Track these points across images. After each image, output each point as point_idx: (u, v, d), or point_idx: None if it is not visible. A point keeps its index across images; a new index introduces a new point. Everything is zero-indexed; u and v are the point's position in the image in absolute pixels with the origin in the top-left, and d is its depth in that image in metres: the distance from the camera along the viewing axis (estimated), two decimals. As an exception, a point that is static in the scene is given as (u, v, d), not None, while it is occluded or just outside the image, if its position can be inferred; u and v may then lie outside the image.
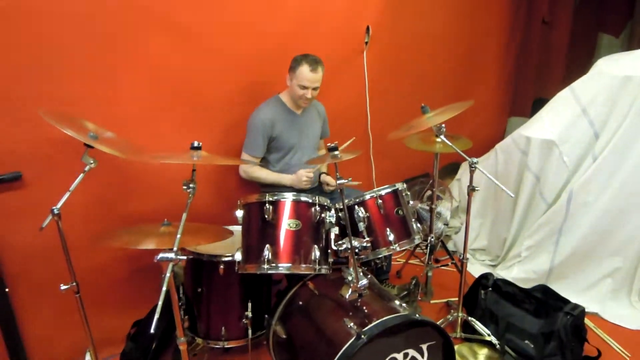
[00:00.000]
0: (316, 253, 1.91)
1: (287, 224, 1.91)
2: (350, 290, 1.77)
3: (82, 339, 1.96)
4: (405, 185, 2.19)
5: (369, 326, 1.67)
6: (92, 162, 1.79)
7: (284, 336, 2.01)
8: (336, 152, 1.76)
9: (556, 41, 4.37)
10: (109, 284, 2.41)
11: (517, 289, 2.50)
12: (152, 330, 1.43)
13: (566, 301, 2.34)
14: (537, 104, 3.90)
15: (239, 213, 1.99)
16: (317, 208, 1.95)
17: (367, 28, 3.07)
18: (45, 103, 2.01)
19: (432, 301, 2.85)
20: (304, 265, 1.89)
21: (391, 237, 2.05)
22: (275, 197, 1.92)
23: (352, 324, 1.71)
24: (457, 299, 2.48)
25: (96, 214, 2.28)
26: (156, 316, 1.37)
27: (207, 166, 2.53)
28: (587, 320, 2.52)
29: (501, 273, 2.97)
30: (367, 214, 2.05)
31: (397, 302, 1.92)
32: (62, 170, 1.96)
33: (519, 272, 2.90)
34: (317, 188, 2.69)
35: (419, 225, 2.18)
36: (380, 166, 3.48)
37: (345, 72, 3.07)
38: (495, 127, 4.40)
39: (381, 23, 3.12)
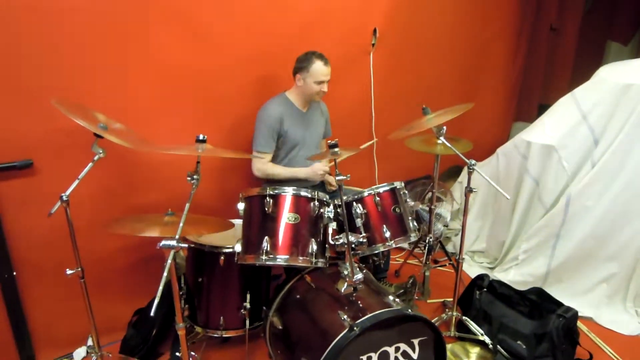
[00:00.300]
0: (313, 247, 1.94)
1: (286, 217, 1.95)
2: (345, 284, 1.81)
3: (85, 324, 2.02)
4: (403, 184, 2.22)
5: (362, 319, 1.71)
6: (101, 151, 1.84)
7: (281, 327, 2.07)
8: (336, 149, 1.82)
9: (563, 48, 4.38)
10: (113, 272, 2.47)
11: (512, 291, 2.53)
12: (151, 314, 1.46)
13: (559, 304, 2.37)
14: (542, 110, 3.91)
15: (241, 205, 2.03)
16: (316, 203, 1.99)
17: (374, 30, 3.11)
18: (58, 94, 2.06)
19: (428, 300, 2.88)
20: (301, 258, 1.93)
21: (387, 234, 2.09)
22: (276, 191, 1.96)
23: (345, 317, 1.76)
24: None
25: (103, 202, 2.34)
26: (156, 300, 1.41)
27: (211, 161, 2.58)
28: (581, 325, 2.55)
29: (498, 275, 2.99)
30: (365, 211, 2.09)
31: (390, 298, 1.96)
32: (72, 159, 2.02)
33: (516, 275, 2.93)
34: (320, 186, 2.74)
35: (415, 223, 2.21)
36: (383, 167, 3.51)
37: (351, 73, 3.11)
38: (500, 131, 4.41)
39: (388, 25, 3.16)
